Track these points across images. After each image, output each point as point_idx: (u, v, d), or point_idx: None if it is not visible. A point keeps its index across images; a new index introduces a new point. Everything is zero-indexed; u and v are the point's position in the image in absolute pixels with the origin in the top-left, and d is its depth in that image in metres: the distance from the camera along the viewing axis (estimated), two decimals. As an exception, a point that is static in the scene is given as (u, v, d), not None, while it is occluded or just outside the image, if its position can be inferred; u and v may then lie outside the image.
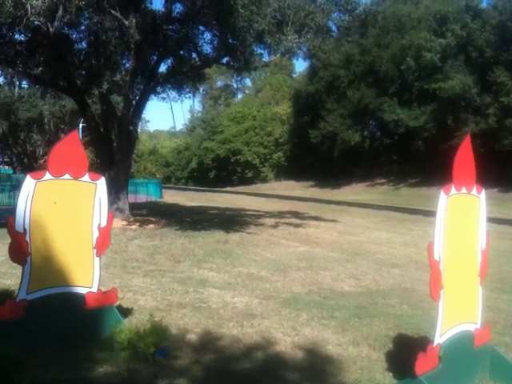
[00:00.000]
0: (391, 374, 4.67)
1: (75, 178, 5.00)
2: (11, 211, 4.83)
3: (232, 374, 4.63)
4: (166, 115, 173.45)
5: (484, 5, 41.54)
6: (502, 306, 7.44)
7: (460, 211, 4.37)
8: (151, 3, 15.66)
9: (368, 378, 4.62)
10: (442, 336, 4.18)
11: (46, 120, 37.46)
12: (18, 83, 34.93)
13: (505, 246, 13.23)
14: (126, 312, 6.00)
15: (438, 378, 4.04)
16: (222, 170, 61.90)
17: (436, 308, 4.15)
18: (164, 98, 21.85)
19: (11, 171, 44.80)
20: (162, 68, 18.03)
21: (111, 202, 13.69)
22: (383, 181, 46.56)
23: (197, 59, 17.11)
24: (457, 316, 4.40)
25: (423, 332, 5.67)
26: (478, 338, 4.62)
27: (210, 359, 4.93)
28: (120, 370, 4.55)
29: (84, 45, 16.95)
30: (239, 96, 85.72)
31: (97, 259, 5.24)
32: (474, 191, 4.54)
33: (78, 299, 5.10)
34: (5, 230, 4.79)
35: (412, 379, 4.02)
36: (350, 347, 5.37)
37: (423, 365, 3.99)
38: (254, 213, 21.78)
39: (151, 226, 15.08)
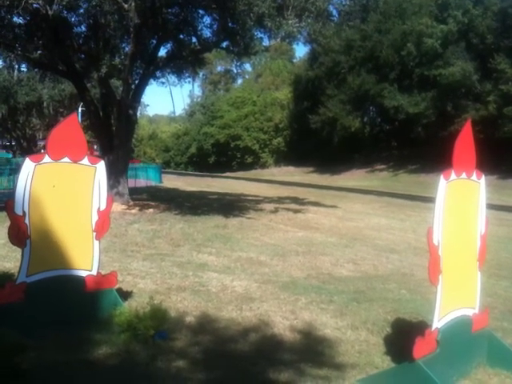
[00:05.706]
0: (389, 358, 4.71)
1: (74, 162, 4.99)
2: (11, 195, 4.82)
3: (230, 356, 4.66)
4: (165, 100, 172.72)
5: (486, -9, 41.19)
6: (499, 292, 7.48)
7: (460, 196, 4.37)
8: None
9: (366, 361, 4.66)
10: (440, 320, 4.20)
11: (45, 104, 37.23)
12: (16, 67, 34.60)
13: (503, 233, 13.27)
14: (125, 295, 6.03)
15: (435, 363, 4.06)
16: (221, 155, 61.64)
17: (434, 293, 4.17)
18: (163, 83, 21.76)
19: (10, 155, 44.63)
20: (162, 52, 17.92)
21: (111, 186, 13.66)
22: (383, 167, 46.41)
23: (196, 43, 16.97)
24: (455, 301, 4.42)
25: (421, 316, 5.71)
26: (476, 322, 4.64)
27: (209, 342, 4.96)
28: (119, 351, 4.59)
29: (83, 28, 16.79)
30: (239, 81, 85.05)
31: (96, 242, 5.25)
32: (474, 176, 4.54)
33: (77, 282, 5.12)
34: (4, 214, 4.79)
35: (410, 363, 4.04)
36: (348, 331, 5.40)
37: (421, 349, 4.01)
38: (254, 198, 21.76)
39: (151, 210, 15.08)
